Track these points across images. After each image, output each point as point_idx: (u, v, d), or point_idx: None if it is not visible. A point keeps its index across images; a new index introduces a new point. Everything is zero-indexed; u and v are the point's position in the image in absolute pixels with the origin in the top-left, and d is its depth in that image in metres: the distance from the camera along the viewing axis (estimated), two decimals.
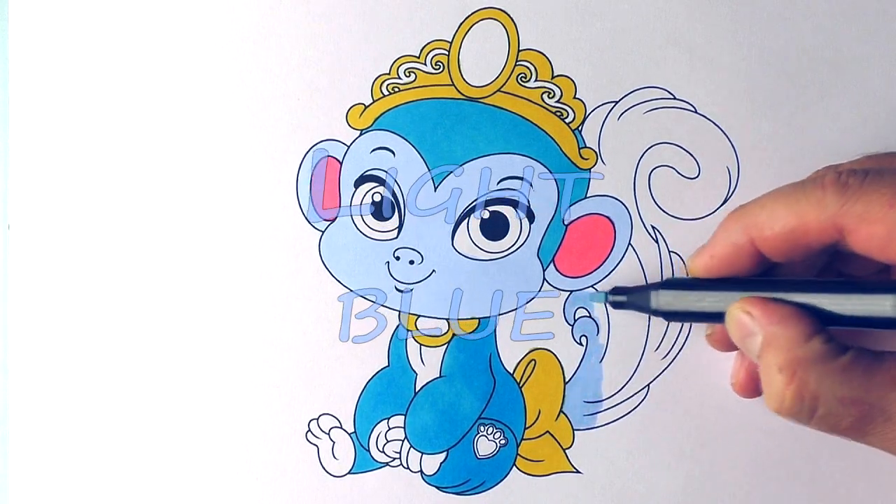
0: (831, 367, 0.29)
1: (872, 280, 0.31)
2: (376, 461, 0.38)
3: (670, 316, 0.34)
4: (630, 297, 0.35)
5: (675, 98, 0.37)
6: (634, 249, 0.37)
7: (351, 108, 0.38)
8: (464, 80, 0.37)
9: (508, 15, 0.37)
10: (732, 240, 0.32)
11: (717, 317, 0.33)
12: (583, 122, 0.37)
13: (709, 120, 0.37)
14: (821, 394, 0.29)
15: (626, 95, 0.37)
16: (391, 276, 0.38)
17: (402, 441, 0.38)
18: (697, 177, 0.37)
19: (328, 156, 0.38)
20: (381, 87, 0.38)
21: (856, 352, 0.29)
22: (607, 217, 0.37)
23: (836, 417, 0.29)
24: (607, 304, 0.36)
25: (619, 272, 0.37)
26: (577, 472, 0.37)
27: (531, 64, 0.37)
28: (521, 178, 0.37)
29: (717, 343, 0.35)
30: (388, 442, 0.38)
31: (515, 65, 0.37)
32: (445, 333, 0.38)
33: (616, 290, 0.36)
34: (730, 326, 0.32)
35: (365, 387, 0.38)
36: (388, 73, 0.37)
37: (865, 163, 0.34)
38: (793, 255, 0.32)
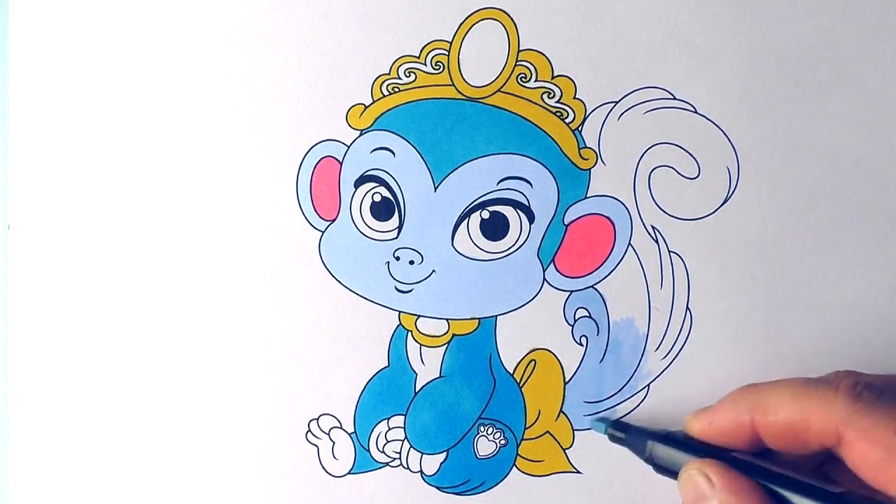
0: None
1: (852, 496, 0.30)
2: (376, 461, 0.38)
3: (659, 469, 0.34)
4: (628, 437, 0.36)
5: (675, 98, 0.37)
6: (634, 249, 0.37)
7: (351, 108, 0.38)
8: (464, 80, 0.37)
9: (508, 15, 0.37)
10: (735, 414, 0.32)
11: None
12: (583, 123, 0.37)
13: (709, 120, 0.37)
14: None
15: (626, 95, 0.37)
16: (391, 276, 0.38)
17: (402, 441, 0.38)
18: (697, 177, 0.37)
19: (328, 156, 0.38)
20: (381, 87, 0.37)
21: None
22: (607, 217, 0.37)
23: None
24: (607, 434, 0.37)
25: (619, 272, 0.37)
26: (577, 472, 0.37)
27: (531, 64, 0.37)
28: (521, 178, 0.37)
29: None
30: (388, 442, 0.38)
31: (515, 65, 0.37)
32: (445, 333, 0.38)
33: (617, 425, 0.36)
34: (684, 485, 0.32)
35: (365, 387, 0.38)
36: (388, 73, 0.37)
37: (891, 380, 0.33)
38: (789, 446, 0.31)
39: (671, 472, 0.34)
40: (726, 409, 0.33)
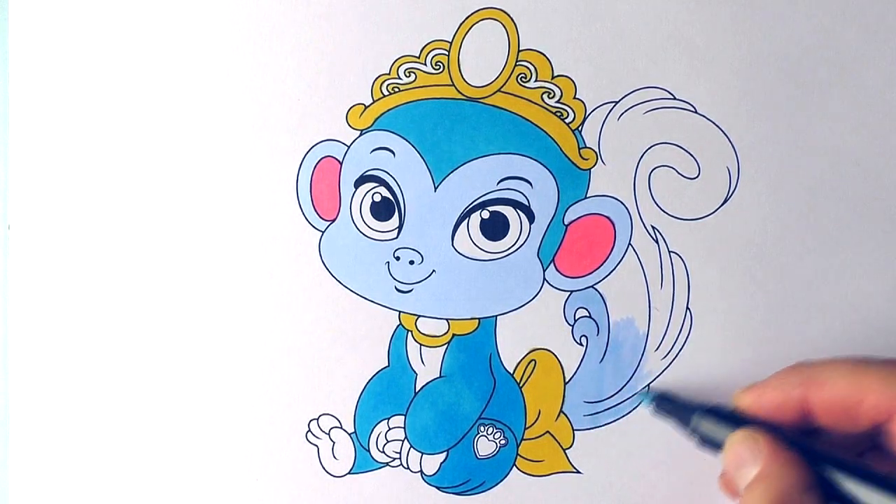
0: None
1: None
2: (376, 461, 0.38)
3: (704, 443, 0.34)
4: (674, 410, 0.35)
5: (675, 98, 0.37)
6: (634, 249, 0.37)
7: (351, 108, 0.38)
8: (464, 80, 0.37)
9: (508, 15, 0.37)
10: (787, 389, 0.33)
11: None
12: (583, 122, 0.37)
13: (709, 120, 0.37)
14: None
15: (626, 95, 0.37)
16: (391, 276, 0.38)
17: (402, 441, 0.38)
18: (697, 177, 0.37)
19: (328, 156, 0.38)
20: (381, 87, 0.38)
21: None
22: (607, 217, 0.37)
23: None
24: (651, 407, 0.37)
25: (619, 272, 0.37)
26: (577, 472, 0.37)
27: (531, 64, 0.37)
28: (521, 178, 0.37)
29: (728, 487, 0.35)
30: (388, 442, 0.38)
31: (515, 65, 0.37)
32: (445, 333, 0.38)
33: (663, 399, 0.36)
34: (729, 450, 0.32)
35: (365, 387, 0.38)
36: (388, 73, 0.37)
37: None
38: (839, 422, 0.32)
39: (715, 445, 0.33)
40: (778, 383, 0.33)
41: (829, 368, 0.32)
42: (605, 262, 0.37)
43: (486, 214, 0.37)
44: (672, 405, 0.36)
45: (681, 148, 0.37)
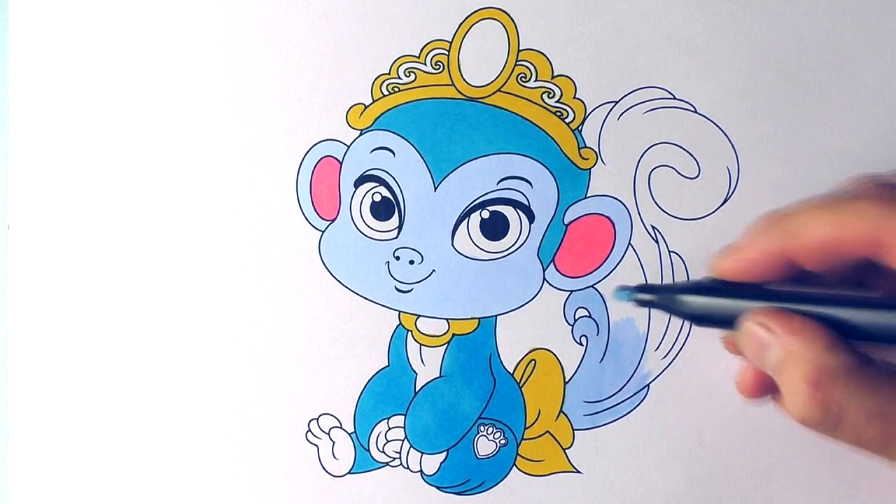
0: (858, 377, 0.29)
1: None
2: (376, 461, 0.38)
3: (697, 320, 0.33)
4: (658, 297, 0.34)
5: (675, 98, 0.37)
6: (634, 249, 0.37)
7: (351, 108, 0.38)
8: (464, 80, 0.37)
9: (508, 15, 0.37)
10: (764, 245, 0.32)
11: None
12: (583, 122, 0.37)
13: (709, 120, 0.37)
14: (847, 405, 0.29)
15: (626, 95, 0.37)
16: (391, 276, 0.38)
17: (402, 441, 0.38)
18: (697, 177, 0.37)
19: (328, 156, 0.38)
20: (381, 87, 0.38)
21: (882, 365, 0.29)
22: (607, 217, 0.37)
23: (860, 429, 0.29)
24: (632, 302, 0.35)
25: (619, 272, 0.37)
26: (577, 472, 0.37)
27: (531, 64, 0.37)
28: (521, 178, 0.37)
29: (734, 347, 0.35)
30: (388, 442, 0.38)
31: (515, 65, 0.37)
32: (445, 333, 0.38)
33: (643, 289, 0.34)
34: (743, 338, 0.32)
35: (365, 387, 0.38)
36: (388, 73, 0.37)
37: None
38: (827, 265, 0.31)
39: (709, 321, 0.33)
40: (754, 241, 0.32)
41: (803, 215, 0.31)
42: (605, 261, 0.37)
43: (486, 214, 0.37)
44: (654, 293, 0.34)
45: (681, 148, 0.37)
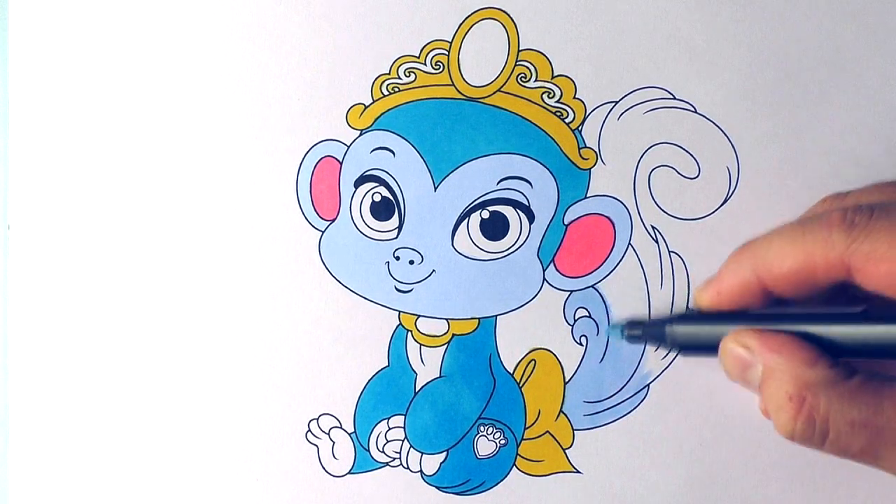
0: (841, 390, 0.29)
1: (875, 310, 0.31)
2: (376, 461, 0.38)
3: (686, 351, 0.35)
4: (645, 331, 0.36)
5: (675, 98, 0.37)
6: (634, 249, 0.37)
7: (351, 108, 0.38)
8: (464, 80, 0.37)
9: (508, 15, 0.37)
10: (739, 276, 0.33)
11: None
12: (583, 122, 0.37)
13: (709, 120, 0.37)
14: (831, 417, 0.29)
15: (626, 95, 0.37)
16: (391, 276, 0.38)
17: (402, 441, 0.38)
18: (697, 177, 0.37)
19: (328, 156, 0.38)
20: (381, 87, 0.38)
21: (864, 375, 0.29)
22: (607, 217, 0.37)
23: (846, 441, 0.29)
24: (624, 338, 0.37)
25: (619, 272, 0.37)
26: (577, 472, 0.37)
27: (531, 64, 0.37)
28: (521, 178, 0.37)
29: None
30: (388, 442, 0.38)
31: (515, 65, 0.37)
32: (445, 333, 0.38)
33: (632, 324, 0.36)
34: (725, 360, 0.33)
35: (365, 387, 0.38)
36: (388, 73, 0.37)
37: (873, 193, 0.34)
38: (801, 292, 0.32)
39: (697, 349, 0.34)
40: (730, 275, 0.33)
41: (773, 246, 0.32)
42: (605, 262, 0.37)
43: (486, 214, 0.37)
44: (641, 328, 0.36)
45: (681, 148, 0.37)
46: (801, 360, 0.30)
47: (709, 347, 0.34)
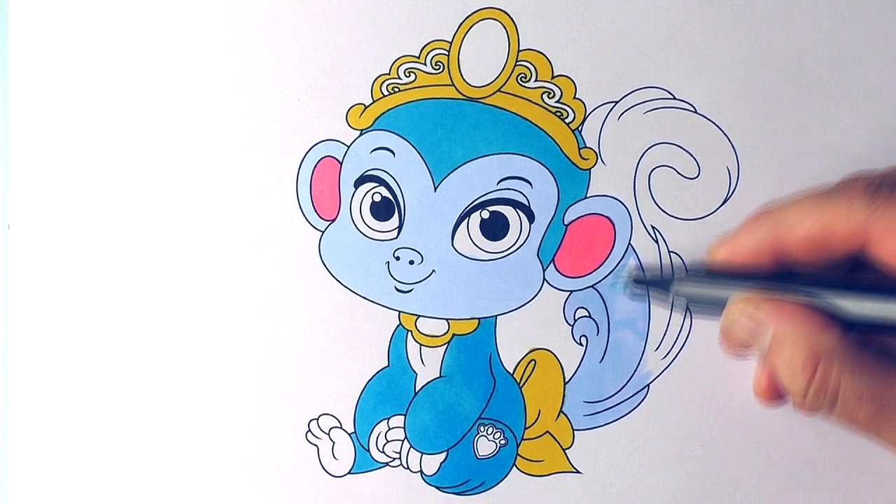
0: (852, 359, 0.30)
1: (887, 285, 0.32)
2: (376, 461, 0.38)
3: (692, 307, 0.35)
4: (650, 287, 0.36)
5: (675, 98, 0.37)
6: (634, 249, 0.37)
7: (351, 108, 0.38)
8: (464, 80, 0.37)
9: (508, 15, 0.37)
10: (757, 237, 0.33)
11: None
12: (583, 122, 0.37)
13: (709, 120, 0.37)
14: (842, 385, 0.30)
15: (626, 95, 0.37)
16: (391, 276, 0.38)
17: (402, 441, 0.38)
18: (697, 177, 0.37)
19: (328, 156, 0.38)
20: (381, 87, 0.38)
21: (877, 347, 0.30)
22: (607, 217, 0.37)
23: (853, 410, 0.30)
24: (626, 293, 0.37)
25: (619, 272, 0.37)
26: (577, 472, 0.37)
27: (531, 64, 0.37)
28: (521, 178, 0.37)
29: (731, 349, 0.35)
30: (388, 442, 0.38)
31: (515, 65, 0.37)
32: (445, 333, 0.38)
33: (636, 279, 0.36)
34: (733, 327, 0.33)
35: (365, 387, 0.38)
36: (388, 73, 0.37)
37: None
38: (817, 258, 0.32)
39: (702, 306, 0.34)
40: (748, 233, 0.34)
41: (794, 209, 0.32)
42: (605, 262, 0.37)
43: (485, 214, 0.37)
44: (647, 282, 0.36)
45: (681, 148, 0.37)
46: (815, 327, 0.31)
47: (714, 305, 0.34)
